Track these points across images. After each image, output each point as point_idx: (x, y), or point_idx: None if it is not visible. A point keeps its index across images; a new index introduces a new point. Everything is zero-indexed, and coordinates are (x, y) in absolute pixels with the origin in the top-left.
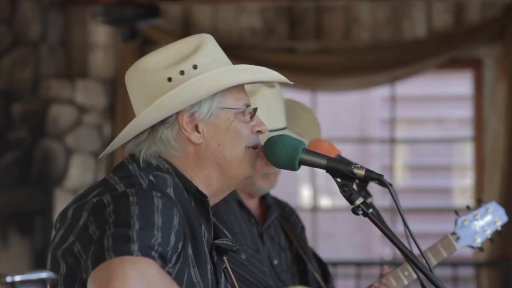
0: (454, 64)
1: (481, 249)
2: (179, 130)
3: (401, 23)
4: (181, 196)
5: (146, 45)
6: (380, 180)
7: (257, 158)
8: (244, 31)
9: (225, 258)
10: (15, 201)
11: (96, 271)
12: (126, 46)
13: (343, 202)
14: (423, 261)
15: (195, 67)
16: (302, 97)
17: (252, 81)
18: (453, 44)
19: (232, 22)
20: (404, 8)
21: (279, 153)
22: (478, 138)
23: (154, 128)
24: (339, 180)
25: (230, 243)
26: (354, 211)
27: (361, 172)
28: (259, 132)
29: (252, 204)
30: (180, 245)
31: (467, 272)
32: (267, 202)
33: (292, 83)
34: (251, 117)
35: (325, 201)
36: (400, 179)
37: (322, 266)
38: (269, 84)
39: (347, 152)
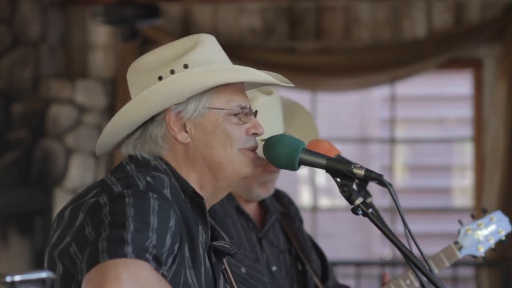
0: (454, 64)
1: (483, 258)
2: (166, 129)
3: (401, 23)
4: (178, 197)
5: (146, 45)
6: (379, 180)
7: (254, 159)
8: (244, 31)
9: (224, 259)
10: (15, 201)
11: (90, 274)
12: (126, 46)
13: (343, 202)
14: (423, 261)
15: (185, 66)
16: (302, 97)
17: (236, 81)
18: (453, 44)
19: (232, 22)
20: (404, 8)
21: (279, 153)
22: (478, 138)
23: (145, 127)
24: (338, 180)
25: (228, 246)
26: (354, 211)
27: (361, 172)
28: (255, 134)
29: (251, 208)
30: (176, 247)
31: (467, 272)
32: (265, 205)
33: (284, 84)
34: (248, 119)
35: (325, 201)
36: (400, 179)
37: (321, 257)
38: (266, 91)
39: (347, 152)
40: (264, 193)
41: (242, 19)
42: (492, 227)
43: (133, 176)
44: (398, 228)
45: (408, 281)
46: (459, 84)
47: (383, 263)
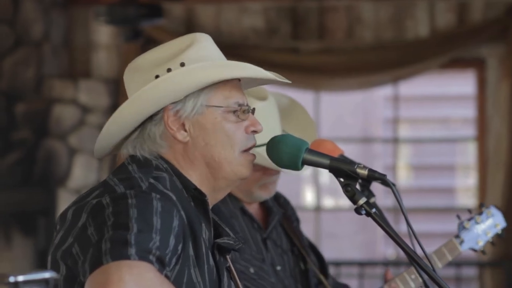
0: (457, 63)
1: (483, 252)
2: (164, 128)
3: (404, 23)
4: (181, 195)
5: (149, 45)
6: (383, 179)
7: (253, 160)
8: (247, 31)
9: (228, 256)
10: (18, 201)
11: (93, 275)
12: (129, 46)
13: (346, 202)
14: (427, 261)
15: (182, 64)
16: (305, 97)
17: (234, 76)
18: (456, 44)
19: (234, 22)
20: (407, 8)
21: (282, 153)
22: (481, 138)
23: (144, 126)
24: (342, 180)
25: (232, 242)
26: (357, 211)
27: (364, 172)
28: (254, 132)
29: (253, 208)
30: (180, 247)
31: (470, 272)
32: (268, 205)
33: (278, 79)
34: (246, 116)
35: (328, 201)
36: (403, 179)
37: (319, 256)
38: (260, 97)
39: (350, 152)
40: (266, 195)
41: (244, 19)
42: (490, 221)
43: (136, 177)
44: (401, 228)
45: (413, 276)
46: (462, 84)
47: (386, 263)
